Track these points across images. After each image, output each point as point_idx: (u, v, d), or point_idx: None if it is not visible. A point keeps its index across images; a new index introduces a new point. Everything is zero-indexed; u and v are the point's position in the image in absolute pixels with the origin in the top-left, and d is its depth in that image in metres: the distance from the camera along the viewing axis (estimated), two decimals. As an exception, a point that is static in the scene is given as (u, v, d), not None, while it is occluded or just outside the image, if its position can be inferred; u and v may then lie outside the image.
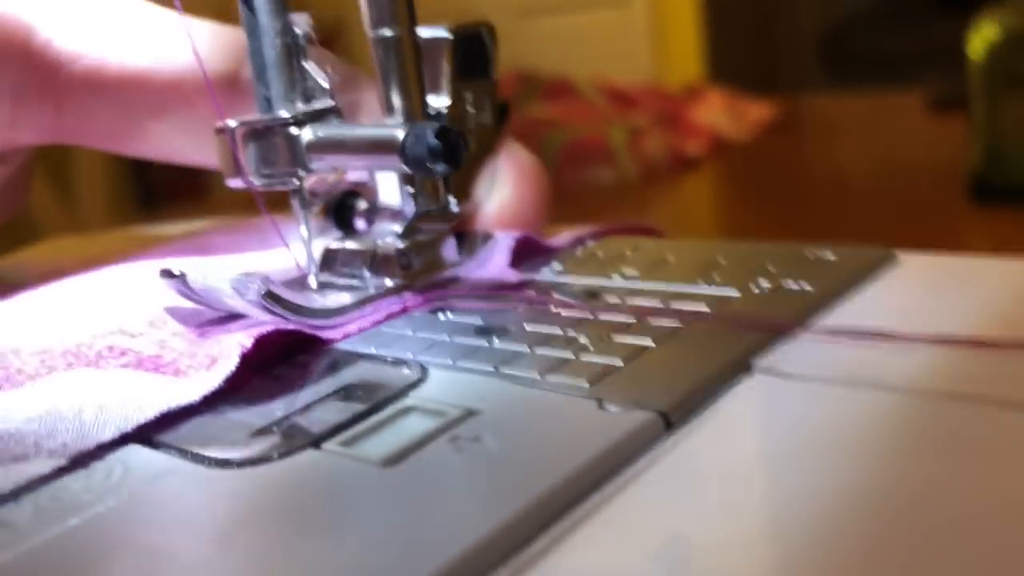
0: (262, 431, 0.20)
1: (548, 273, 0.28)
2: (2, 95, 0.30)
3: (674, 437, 0.18)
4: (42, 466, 0.19)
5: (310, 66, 0.26)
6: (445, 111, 0.29)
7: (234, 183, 0.27)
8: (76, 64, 0.30)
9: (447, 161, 0.24)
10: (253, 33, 0.26)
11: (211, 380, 0.21)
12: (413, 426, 0.19)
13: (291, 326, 0.24)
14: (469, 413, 0.19)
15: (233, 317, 0.26)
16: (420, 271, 0.27)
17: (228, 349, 0.23)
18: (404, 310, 0.26)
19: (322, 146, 0.26)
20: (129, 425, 0.20)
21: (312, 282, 0.28)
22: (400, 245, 0.27)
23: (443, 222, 0.29)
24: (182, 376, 0.23)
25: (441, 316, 0.25)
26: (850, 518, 0.14)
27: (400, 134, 0.24)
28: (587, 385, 0.20)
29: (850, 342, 0.20)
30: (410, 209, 0.28)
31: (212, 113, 0.27)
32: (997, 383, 0.18)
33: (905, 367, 0.19)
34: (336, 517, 0.16)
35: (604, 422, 0.18)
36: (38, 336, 0.25)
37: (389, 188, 0.28)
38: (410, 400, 0.20)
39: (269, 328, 0.23)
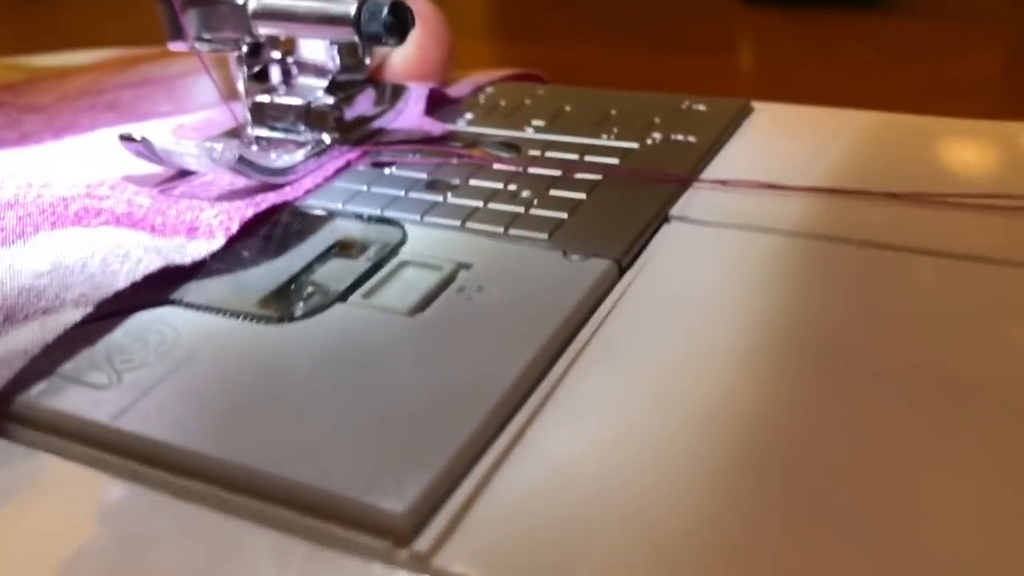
0: (282, 289, 0.23)
1: (462, 123, 0.32)
2: None
3: (625, 279, 0.23)
4: (72, 315, 0.21)
5: (244, -68, 0.28)
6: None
7: (176, 46, 0.28)
8: None
9: (398, 35, 0.26)
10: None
11: (205, 247, 0.24)
12: (418, 279, 0.23)
13: (264, 204, 0.26)
14: (461, 266, 0.23)
15: (186, 173, 0.28)
16: (351, 125, 0.30)
17: (206, 221, 0.25)
18: (348, 164, 0.29)
19: (269, 15, 0.27)
20: (137, 274, 0.23)
21: (249, 134, 0.30)
22: (331, 100, 0.30)
23: (357, 75, 0.31)
24: (159, 234, 0.26)
25: (386, 171, 0.29)
26: (767, 337, 0.20)
27: (353, 9, 0.26)
28: (547, 237, 0.24)
29: (739, 190, 0.26)
30: (335, 65, 0.30)
31: None
32: (859, 225, 0.24)
33: (785, 212, 0.25)
34: (386, 360, 0.20)
35: (573, 270, 0.23)
36: None
37: (313, 45, 0.30)
38: (403, 256, 0.24)
39: (247, 211, 0.25)
